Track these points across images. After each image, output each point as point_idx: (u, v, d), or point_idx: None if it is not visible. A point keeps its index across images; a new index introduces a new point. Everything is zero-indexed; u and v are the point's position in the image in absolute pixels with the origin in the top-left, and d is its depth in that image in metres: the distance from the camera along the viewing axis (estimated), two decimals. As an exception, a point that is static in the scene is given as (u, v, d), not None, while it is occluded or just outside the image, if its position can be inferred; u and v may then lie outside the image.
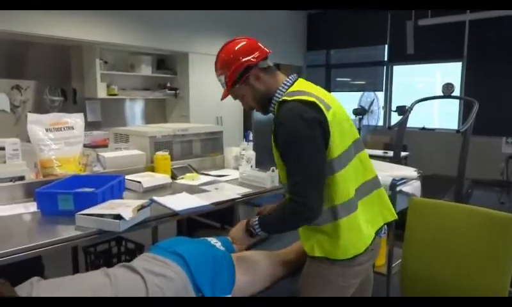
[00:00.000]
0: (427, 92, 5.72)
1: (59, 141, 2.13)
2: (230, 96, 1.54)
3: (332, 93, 7.72)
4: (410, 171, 2.48)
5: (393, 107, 6.49)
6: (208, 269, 1.38)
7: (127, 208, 1.58)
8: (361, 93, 6.45)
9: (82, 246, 2.48)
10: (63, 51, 4.71)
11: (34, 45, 4.37)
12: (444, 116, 6.79)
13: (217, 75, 1.50)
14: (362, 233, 1.40)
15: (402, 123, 4.24)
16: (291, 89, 1.43)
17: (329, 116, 1.33)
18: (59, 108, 4.43)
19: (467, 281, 1.55)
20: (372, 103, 5.68)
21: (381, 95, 6.79)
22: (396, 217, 1.56)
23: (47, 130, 2.11)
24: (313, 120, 1.31)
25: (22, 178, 2.00)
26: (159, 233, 2.84)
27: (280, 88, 1.45)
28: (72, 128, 2.20)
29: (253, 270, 1.50)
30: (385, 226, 1.54)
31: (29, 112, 4.30)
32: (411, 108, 4.28)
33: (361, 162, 1.46)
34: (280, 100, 1.39)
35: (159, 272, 1.28)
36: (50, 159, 2.09)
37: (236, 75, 1.43)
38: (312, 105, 1.32)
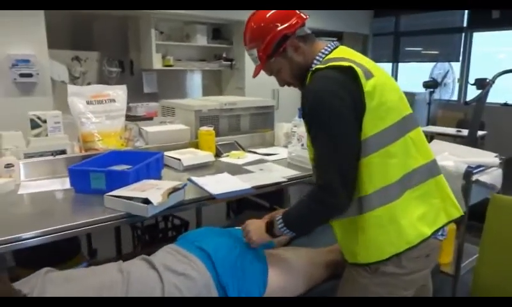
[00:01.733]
0: (511, 63, 5.00)
1: (100, 114, 2.05)
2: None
3: (400, 63, 7.12)
4: (490, 157, 2.10)
5: (471, 80, 5.80)
6: (237, 268, 1.22)
7: (157, 190, 1.45)
8: (434, 63, 5.83)
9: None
10: (122, 22, 4.71)
11: (95, 16, 4.39)
12: (531, 90, 5.95)
13: (247, 49, 1.32)
14: (401, 228, 1.15)
15: (482, 98, 3.73)
16: (328, 57, 1.23)
17: (367, 85, 1.12)
18: (116, 79, 4.48)
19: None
20: (446, 75, 5.11)
21: (456, 66, 6.09)
22: (462, 213, 1.27)
23: (87, 102, 2.04)
24: (345, 89, 1.12)
25: (63, 151, 1.96)
26: (206, 211, 2.75)
27: (317, 57, 1.25)
28: (114, 100, 2.12)
29: (288, 271, 1.30)
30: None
31: (89, 83, 4.43)
32: (493, 81, 3.74)
33: (413, 143, 1.20)
34: (313, 69, 1.20)
35: (180, 271, 1.13)
36: (91, 133, 2.03)
37: (272, 47, 1.24)
38: (348, 71, 1.12)
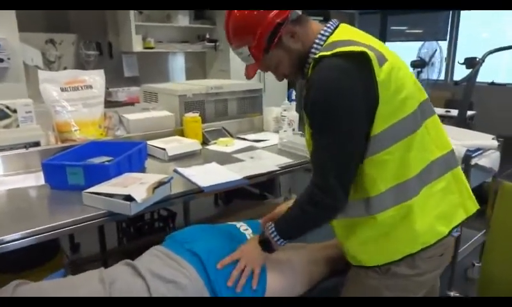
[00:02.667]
0: (495, 43, 4.95)
1: (76, 101, 1.90)
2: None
3: (387, 43, 7.02)
4: (488, 140, 2.03)
5: (458, 59, 5.76)
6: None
7: (141, 185, 1.33)
8: (421, 42, 5.75)
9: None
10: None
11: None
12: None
13: (233, 48, 1.13)
14: (417, 227, 1.05)
15: (472, 78, 3.66)
16: (331, 39, 1.07)
17: (381, 73, 0.98)
18: (94, 63, 4.25)
19: None
20: (433, 54, 5.04)
21: (443, 45, 6.02)
22: (478, 206, 1.18)
23: (62, 89, 1.88)
24: (356, 80, 0.97)
25: (37, 143, 1.80)
26: (194, 200, 2.64)
27: (317, 41, 1.08)
28: (91, 87, 1.96)
29: (287, 272, 1.20)
30: None
31: (65, 68, 4.19)
32: (482, 60, 3.67)
33: (427, 133, 1.08)
34: (316, 56, 1.03)
35: (169, 278, 1.02)
36: (67, 122, 1.87)
37: (266, 40, 1.06)
38: (359, 58, 0.97)
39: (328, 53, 0.99)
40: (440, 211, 1.09)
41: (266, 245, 1.16)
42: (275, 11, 1.05)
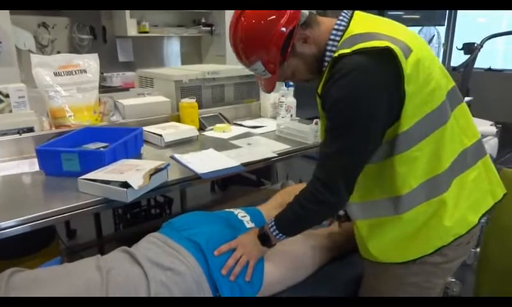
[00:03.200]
0: (491, 28, 4.91)
1: (70, 86, 1.86)
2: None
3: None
4: (486, 126, 2.03)
5: (456, 45, 5.71)
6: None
7: (137, 172, 1.31)
8: (419, 28, 5.71)
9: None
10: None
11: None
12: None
13: (246, 65, 1.08)
14: (448, 220, 1.03)
15: (470, 64, 3.64)
16: (348, 33, 1.00)
17: (408, 66, 0.93)
18: (88, 47, 4.18)
19: None
20: (431, 39, 5.01)
21: (441, 30, 5.97)
22: (505, 190, 1.16)
23: (55, 74, 1.84)
24: (381, 80, 0.93)
25: (30, 129, 1.77)
26: (190, 187, 2.63)
27: (332, 37, 1.02)
28: (85, 71, 1.92)
29: (288, 260, 1.19)
30: None
31: (58, 52, 4.12)
32: (481, 45, 3.65)
33: (457, 123, 1.05)
34: (336, 55, 0.97)
35: (166, 265, 1.01)
36: (61, 108, 1.83)
37: (280, 51, 1.01)
38: (383, 54, 0.92)
39: (348, 50, 0.94)
40: (471, 201, 1.07)
41: (265, 239, 1.15)
42: (283, 20, 0.98)
